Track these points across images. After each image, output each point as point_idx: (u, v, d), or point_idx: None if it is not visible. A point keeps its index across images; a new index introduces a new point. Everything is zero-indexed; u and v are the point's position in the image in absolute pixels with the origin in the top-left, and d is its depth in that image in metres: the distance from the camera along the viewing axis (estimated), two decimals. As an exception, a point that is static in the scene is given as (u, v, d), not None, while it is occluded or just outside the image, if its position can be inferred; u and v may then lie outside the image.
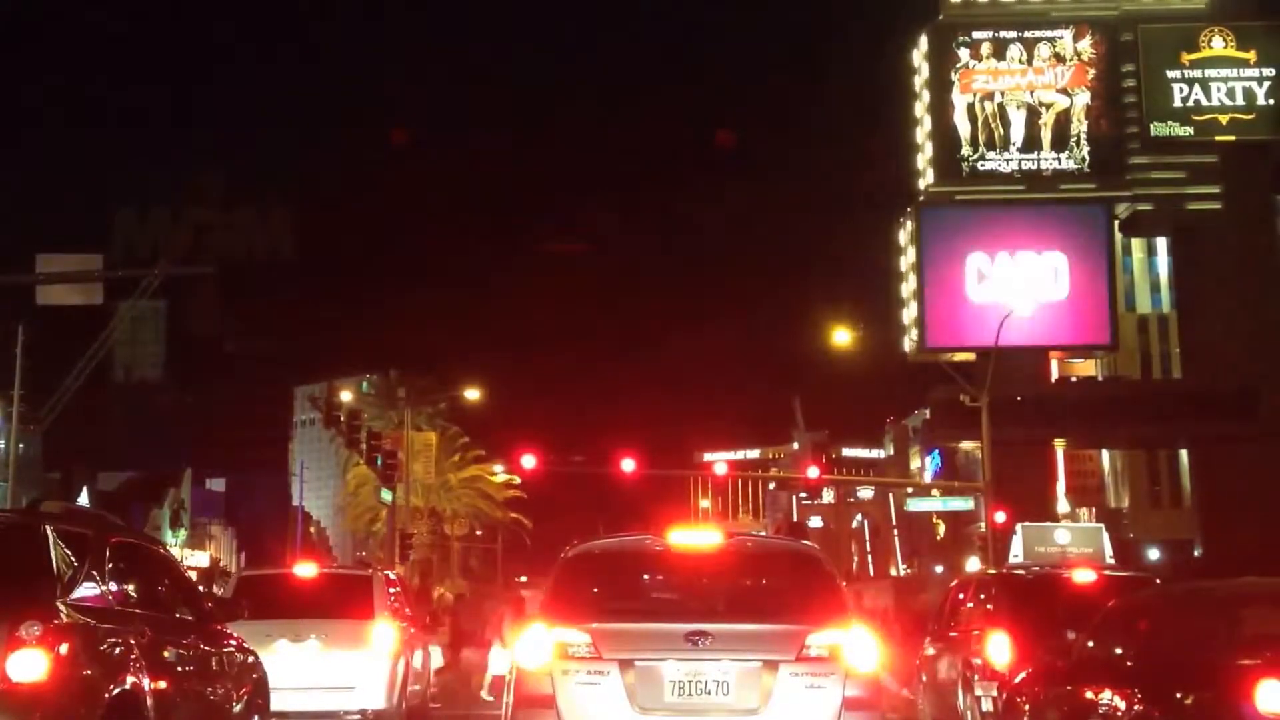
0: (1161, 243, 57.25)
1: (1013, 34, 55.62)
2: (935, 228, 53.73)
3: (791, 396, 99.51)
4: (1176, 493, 58.30)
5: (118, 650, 7.41)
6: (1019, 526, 29.04)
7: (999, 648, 12.34)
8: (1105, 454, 60.28)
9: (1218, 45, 54.69)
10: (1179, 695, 7.15)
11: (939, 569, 62.40)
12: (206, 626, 9.27)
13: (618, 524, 39.28)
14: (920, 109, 56.47)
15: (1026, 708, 9.56)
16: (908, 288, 54.59)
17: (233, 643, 9.73)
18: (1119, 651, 8.35)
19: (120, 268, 23.38)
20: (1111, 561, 23.14)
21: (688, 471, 77.80)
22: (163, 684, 7.86)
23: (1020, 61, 55.49)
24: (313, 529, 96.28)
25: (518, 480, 61.50)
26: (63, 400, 28.60)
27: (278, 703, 10.92)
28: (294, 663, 13.14)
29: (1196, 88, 54.51)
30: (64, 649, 6.81)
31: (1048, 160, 54.93)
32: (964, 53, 55.65)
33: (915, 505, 62.29)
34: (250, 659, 10.05)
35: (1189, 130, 54.41)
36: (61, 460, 64.91)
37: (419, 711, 16.28)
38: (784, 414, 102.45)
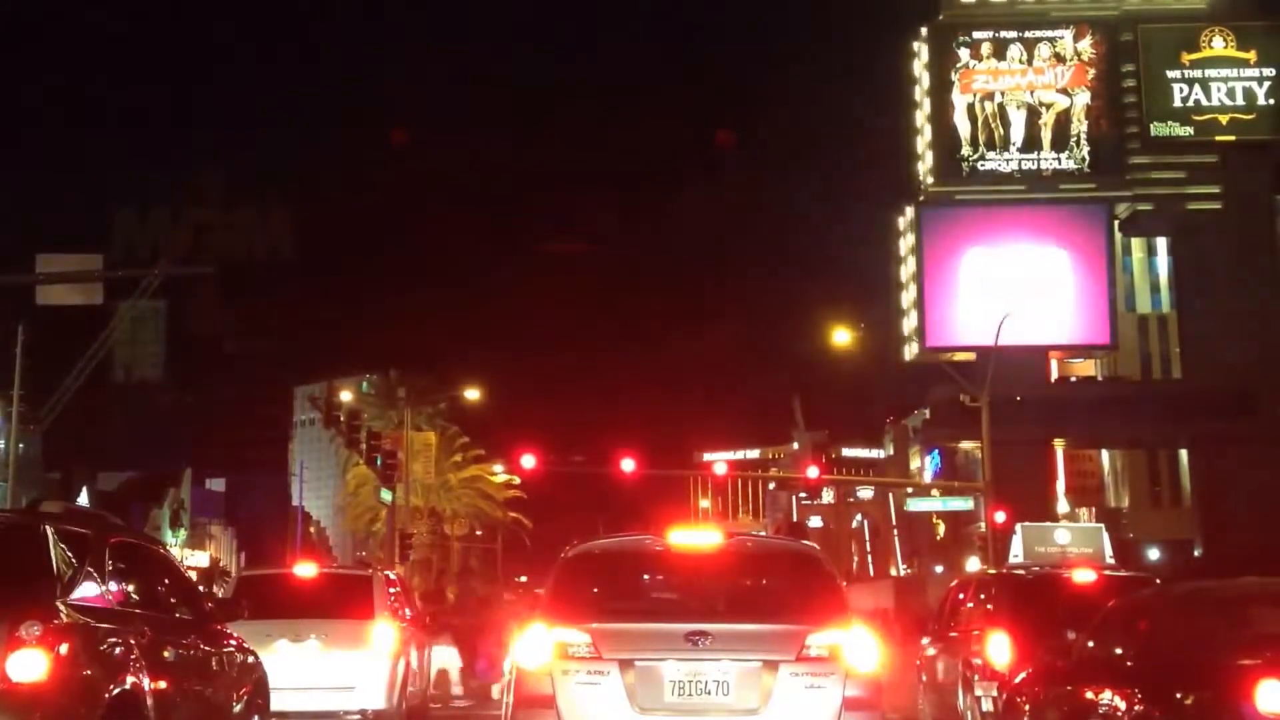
0: (1161, 243, 57.24)
1: (1013, 34, 55.65)
2: (935, 228, 53.77)
3: (791, 396, 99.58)
4: (1176, 493, 58.29)
5: (118, 650, 7.41)
6: (1019, 526, 29.00)
7: (999, 648, 12.35)
8: (1105, 454, 60.29)
9: (1218, 45, 54.72)
10: (1179, 695, 7.15)
11: (939, 569, 62.37)
12: (206, 626, 9.27)
13: (618, 524, 39.32)
14: (920, 109, 56.51)
15: (1026, 708, 9.56)
16: (908, 288, 54.63)
17: (233, 643, 9.73)
18: (1119, 651, 8.35)
19: (120, 268, 23.40)
20: (1111, 561, 23.09)
21: (688, 471, 77.79)
22: (163, 684, 7.86)
23: (1020, 61, 55.52)
24: (313, 529, 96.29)
25: (518, 480, 61.48)
26: (63, 400, 28.61)
27: (278, 703, 10.92)
28: (294, 663, 13.14)
29: (1196, 88, 54.53)
30: (64, 649, 6.81)
31: (1048, 160, 54.95)
32: (964, 53, 55.68)
33: (915, 505, 62.23)
34: (250, 659, 10.04)
35: (1189, 130, 54.44)
36: (61, 460, 64.92)
37: (419, 711, 16.28)
38: (784, 414, 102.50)
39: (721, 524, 23.96)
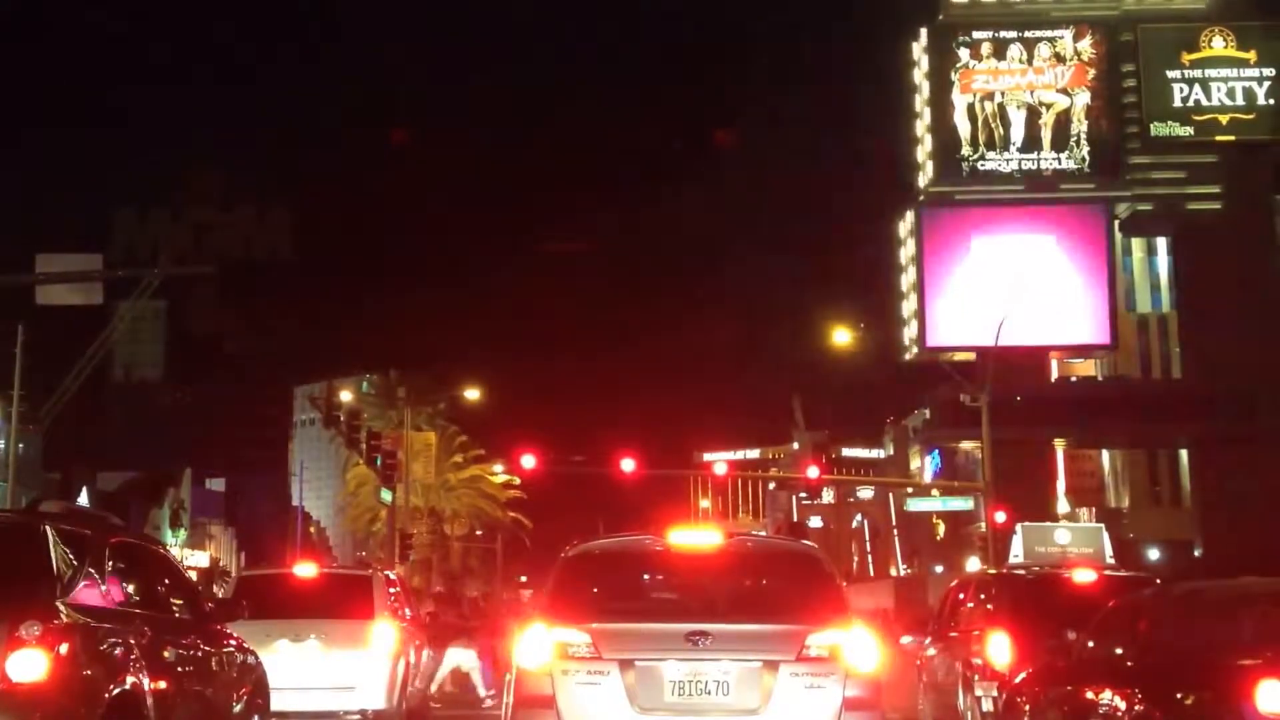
0: (1161, 243, 57.19)
1: (1013, 34, 55.61)
2: (935, 228, 53.75)
3: (791, 396, 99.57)
4: (1176, 493, 58.23)
5: (118, 650, 7.41)
6: (1019, 526, 28.99)
7: (999, 648, 12.35)
8: (1105, 454, 60.24)
9: (1218, 45, 54.69)
10: (1179, 695, 7.16)
11: (939, 569, 62.35)
12: (206, 626, 9.27)
13: (618, 524, 39.36)
14: (920, 109, 56.47)
15: (1026, 708, 9.57)
16: (908, 288, 54.61)
17: (233, 643, 9.74)
18: (1119, 651, 8.36)
19: (120, 268, 23.44)
20: (1111, 561, 23.08)
21: (688, 471, 77.71)
22: (163, 684, 7.86)
23: (1020, 61, 55.49)
24: (313, 529, 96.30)
25: (518, 480, 61.52)
26: (62, 400, 28.62)
27: (278, 703, 10.92)
28: (294, 663, 13.14)
29: (1196, 88, 54.51)
30: (64, 649, 6.80)
31: (1048, 160, 54.92)
32: (964, 52, 55.66)
33: (915, 505, 62.28)
34: (250, 659, 10.05)
35: (1189, 130, 54.40)
36: (61, 460, 64.85)
37: (419, 712, 16.29)
38: (784, 414, 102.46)
39: (721, 524, 23.94)
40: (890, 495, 79.45)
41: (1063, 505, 54.28)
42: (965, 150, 55.15)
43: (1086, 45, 55.37)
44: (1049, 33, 55.52)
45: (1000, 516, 34.51)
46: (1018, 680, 10.39)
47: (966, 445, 54.19)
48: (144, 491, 77.36)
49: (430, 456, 61.25)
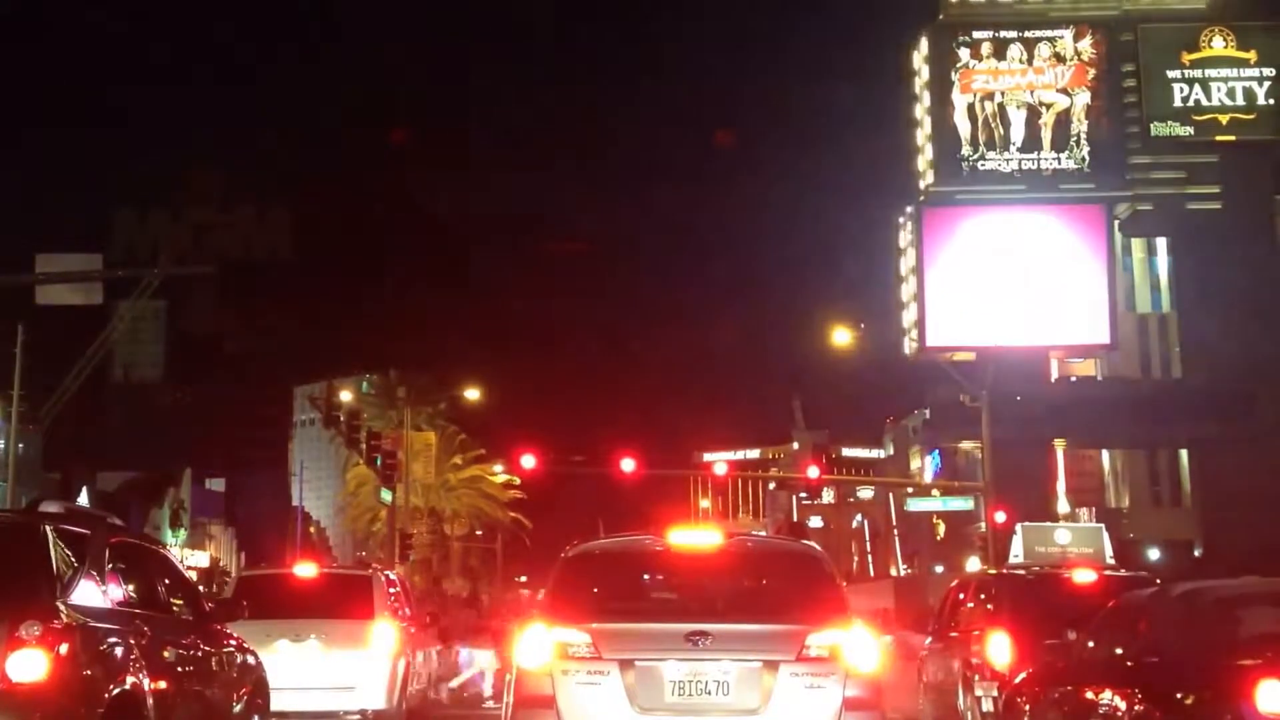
0: (1161, 243, 57.19)
1: (1013, 34, 55.64)
2: (935, 227, 53.66)
3: (791, 396, 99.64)
4: (1176, 493, 58.22)
5: (118, 650, 7.41)
6: (1019, 526, 29.00)
7: (999, 648, 12.35)
8: (1105, 454, 60.22)
9: (1218, 45, 54.71)
10: (1179, 695, 7.15)
11: (939, 569, 62.34)
12: (206, 626, 9.28)
13: (618, 524, 39.29)
14: (920, 109, 56.51)
15: (1026, 708, 9.57)
16: (908, 288, 54.55)
17: (233, 643, 9.74)
18: (1119, 651, 8.36)
19: (120, 268, 23.47)
20: (1111, 561, 23.08)
21: (688, 471, 77.60)
22: (163, 684, 7.86)
23: (1020, 61, 55.51)
24: (313, 529, 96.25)
25: (518, 480, 61.50)
26: (62, 400, 28.63)
27: (278, 703, 10.93)
28: (294, 663, 13.15)
29: (1197, 88, 54.53)
30: (64, 649, 6.81)
31: (1048, 160, 54.94)
32: (964, 53, 55.68)
33: (915, 505, 62.18)
34: (250, 659, 10.05)
35: (1189, 130, 54.43)
36: (61, 460, 64.83)
37: (419, 712, 16.28)
38: (784, 414, 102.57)
39: (721, 524, 23.98)
40: (890, 495, 79.41)
41: (1063, 505, 54.25)
42: (965, 150, 55.17)
43: (1086, 45, 55.38)
44: (1049, 32, 55.55)
45: (1000, 516, 34.51)
46: (1018, 680, 10.39)
47: (966, 445, 54.21)
48: (144, 491, 77.32)
49: (430, 456, 61.25)
